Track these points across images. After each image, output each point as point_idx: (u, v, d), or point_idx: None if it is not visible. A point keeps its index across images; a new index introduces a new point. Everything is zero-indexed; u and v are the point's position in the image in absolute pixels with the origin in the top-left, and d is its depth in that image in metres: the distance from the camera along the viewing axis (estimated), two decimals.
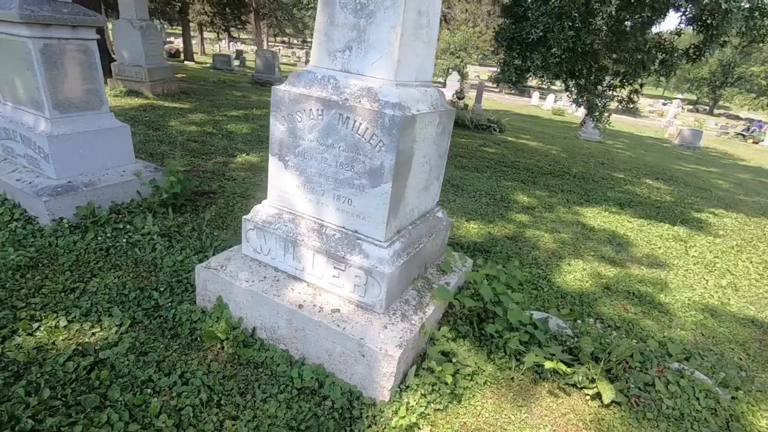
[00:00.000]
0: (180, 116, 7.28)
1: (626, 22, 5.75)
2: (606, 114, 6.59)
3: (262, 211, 2.30)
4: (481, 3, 23.06)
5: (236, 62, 23.24)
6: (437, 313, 2.37)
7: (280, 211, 2.27)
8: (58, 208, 3.03)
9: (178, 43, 26.09)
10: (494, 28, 8.05)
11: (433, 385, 2.03)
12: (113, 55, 9.90)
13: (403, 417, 1.86)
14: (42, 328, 2.16)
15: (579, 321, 2.72)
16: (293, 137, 2.09)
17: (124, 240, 3.02)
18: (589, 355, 2.26)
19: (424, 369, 2.08)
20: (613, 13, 5.11)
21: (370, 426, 1.86)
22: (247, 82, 14.77)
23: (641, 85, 6.80)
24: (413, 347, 2.05)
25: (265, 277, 2.23)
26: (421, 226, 2.37)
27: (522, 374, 2.21)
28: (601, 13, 5.28)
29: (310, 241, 2.12)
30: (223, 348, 2.18)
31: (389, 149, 1.85)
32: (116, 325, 2.25)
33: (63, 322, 2.21)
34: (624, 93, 6.91)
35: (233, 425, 1.78)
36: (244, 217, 2.31)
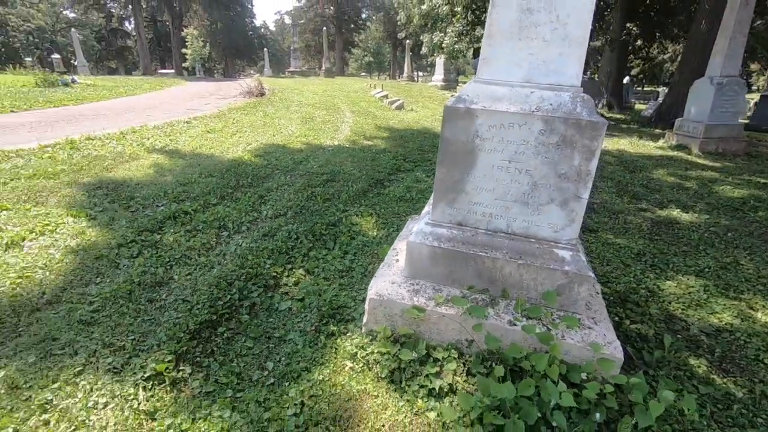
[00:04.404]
0: (695, 173, 6.57)
1: None
2: None
3: None
4: None
5: None
6: (455, 322, 2.08)
7: None
8: None
9: None
10: None
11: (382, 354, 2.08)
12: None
13: (349, 349, 2.20)
14: (361, 217, 4.05)
15: None
16: None
17: None
18: None
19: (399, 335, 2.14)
20: None
21: (346, 324, 2.39)
22: None
23: None
24: (401, 314, 2.15)
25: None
26: (503, 241, 2.12)
27: None
28: None
29: None
30: None
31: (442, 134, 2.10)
32: (377, 225, 3.77)
33: (371, 216, 4.00)
34: None
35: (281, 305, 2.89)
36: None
